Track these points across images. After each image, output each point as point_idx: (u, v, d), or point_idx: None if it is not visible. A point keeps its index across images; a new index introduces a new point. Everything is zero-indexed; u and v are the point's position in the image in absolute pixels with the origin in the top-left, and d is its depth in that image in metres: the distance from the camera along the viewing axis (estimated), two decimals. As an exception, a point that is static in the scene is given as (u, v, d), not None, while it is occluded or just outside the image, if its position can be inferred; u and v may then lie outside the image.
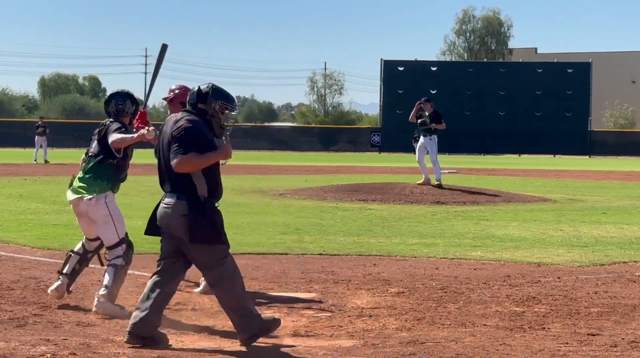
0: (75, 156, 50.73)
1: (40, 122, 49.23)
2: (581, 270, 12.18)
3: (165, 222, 7.78)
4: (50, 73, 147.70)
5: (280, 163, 51.40)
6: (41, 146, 47.24)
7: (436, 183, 24.97)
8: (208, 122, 7.84)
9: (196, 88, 7.94)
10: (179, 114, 7.90)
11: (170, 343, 7.76)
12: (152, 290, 7.78)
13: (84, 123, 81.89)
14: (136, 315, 7.71)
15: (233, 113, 8.04)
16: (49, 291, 9.54)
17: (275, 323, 7.97)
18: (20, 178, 31.23)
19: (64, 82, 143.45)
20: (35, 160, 46.36)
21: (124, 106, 9.64)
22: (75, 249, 9.72)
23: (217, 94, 7.91)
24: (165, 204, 7.77)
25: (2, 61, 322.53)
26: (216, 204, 7.82)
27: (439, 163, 25.28)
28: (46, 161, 45.81)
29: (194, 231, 7.62)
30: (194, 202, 7.65)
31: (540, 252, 13.91)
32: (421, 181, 25.14)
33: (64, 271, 9.60)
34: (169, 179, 7.75)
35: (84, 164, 9.54)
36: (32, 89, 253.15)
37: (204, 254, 7.74)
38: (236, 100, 8.09)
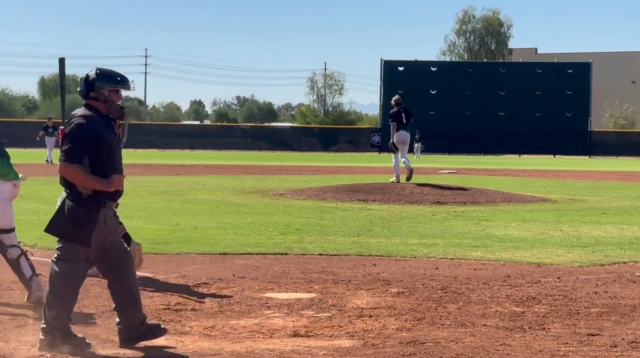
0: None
1: (48, 123, 49.43)
2: (581, 270, 12.18)
3: None
4: (50, 73, 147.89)
5: (280, 163, 51.40)
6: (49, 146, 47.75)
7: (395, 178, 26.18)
8: (103, 114, 7.62)
9: (84, 77, 7.72)
10: (78, 110, 7.66)
11: (164, 327, 7.80)
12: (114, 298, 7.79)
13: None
14: (120, 324, 7.74)
15: (128, 91, 7.81)
16: (32, 301, 9.48)
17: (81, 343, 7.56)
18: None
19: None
20: (47, 161, 46.75)
21: None
22: (16, 255, 9.69)
23: (102, 78, 7.64)
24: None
25: (2, 61, 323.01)
26: (115, 204, 7.67)
27: (397, 160, 26.22)
28: (48, 162, 45.99)
29: (52, 222, 7.49)
30: (71, 195, 7.46)
31: (540, 252, 13.91)
32: (399, 178, 25.90)
33: (29, 275, 9.60)
34: None
35: None
36: (32, 90, 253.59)
37: (58, 242, 7.58)
38: (128, 77, 7.77)
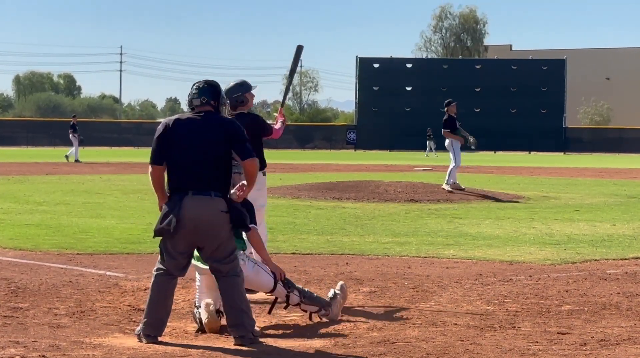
0: (53, 154, 50.20)
1: (74, 121, 49.55)
2: (553, 268, 12.22)
3: (203, 218, 7.81)
4: (25, 71, 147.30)
5: (256, 160, 51.29)
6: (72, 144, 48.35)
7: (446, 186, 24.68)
8: None
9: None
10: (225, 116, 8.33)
11: None
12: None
13: (59, 121, 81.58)
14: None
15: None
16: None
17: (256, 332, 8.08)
18: (-7, 177, 31.07)
19: (38, 81, 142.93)
20: (76, 159, 46.96)
21: None
22: None
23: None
24: (198, 200, 7.79)
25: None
26: None
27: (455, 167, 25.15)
28: (77, 161, 46.18)
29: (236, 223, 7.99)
30: (227, 199, 7.95)
31: (512, 250, 13.94)
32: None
33: None
34: (204, 176, 7.84)
35: None
36: (6, 88, 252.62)
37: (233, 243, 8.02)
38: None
